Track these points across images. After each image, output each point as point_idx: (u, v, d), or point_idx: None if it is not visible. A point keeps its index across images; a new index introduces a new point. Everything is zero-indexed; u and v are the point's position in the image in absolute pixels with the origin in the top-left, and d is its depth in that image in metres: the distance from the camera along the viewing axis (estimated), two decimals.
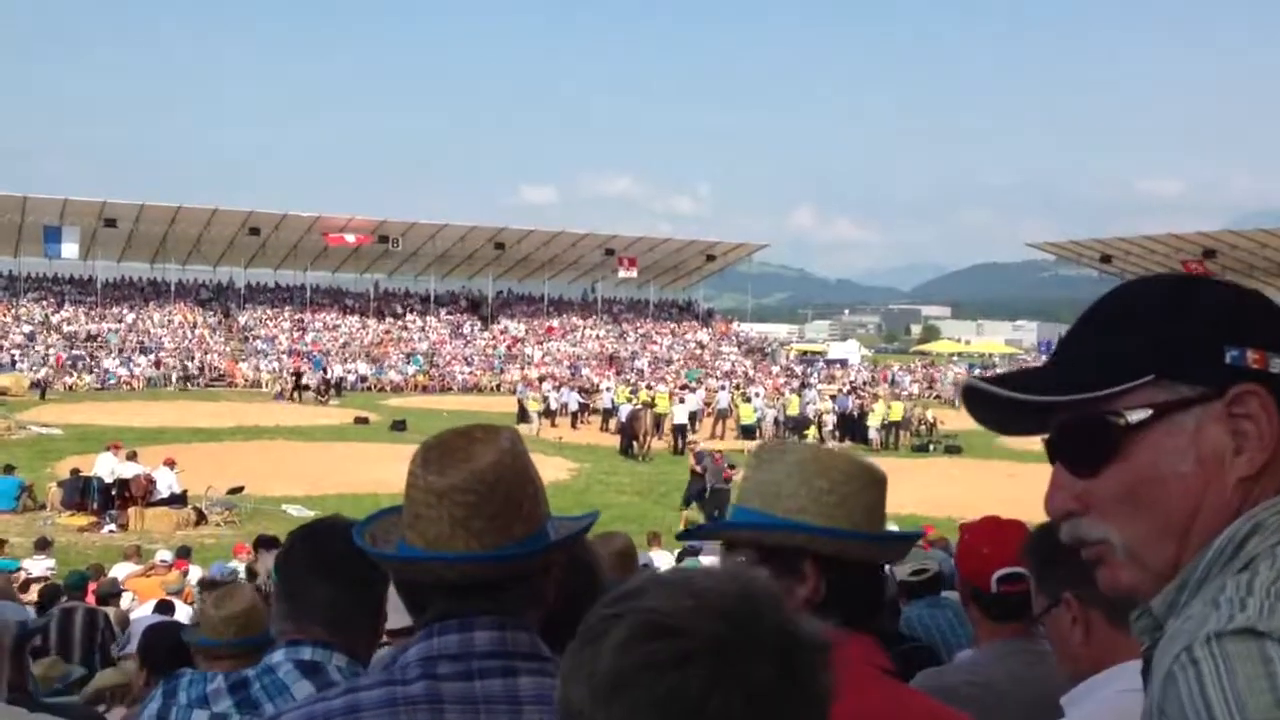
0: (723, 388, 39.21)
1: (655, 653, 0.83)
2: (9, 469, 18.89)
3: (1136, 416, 0.91)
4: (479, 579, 1.41)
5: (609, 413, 32.42)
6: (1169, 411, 0.90)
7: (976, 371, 57.46)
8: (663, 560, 11.47)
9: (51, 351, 46.47)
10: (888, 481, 1.66)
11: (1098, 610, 1.74)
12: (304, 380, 42.13)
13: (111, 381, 44.62)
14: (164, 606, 9.69)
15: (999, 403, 0.97)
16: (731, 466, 18.42)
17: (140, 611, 9.77)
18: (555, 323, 60.42)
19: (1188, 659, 0.78)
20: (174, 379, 46.01)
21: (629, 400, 31.47)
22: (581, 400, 36.30)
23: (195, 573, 12.04)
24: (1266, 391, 0.89)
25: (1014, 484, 20.55)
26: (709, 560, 10.96)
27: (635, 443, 27.12)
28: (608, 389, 36.74)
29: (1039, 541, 1.87)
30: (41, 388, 39.68)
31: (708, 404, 35.10)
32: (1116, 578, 0.94)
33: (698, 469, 19.16)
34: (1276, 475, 0.89)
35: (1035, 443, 1.02)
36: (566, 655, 0.89)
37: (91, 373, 45.32)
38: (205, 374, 47.64)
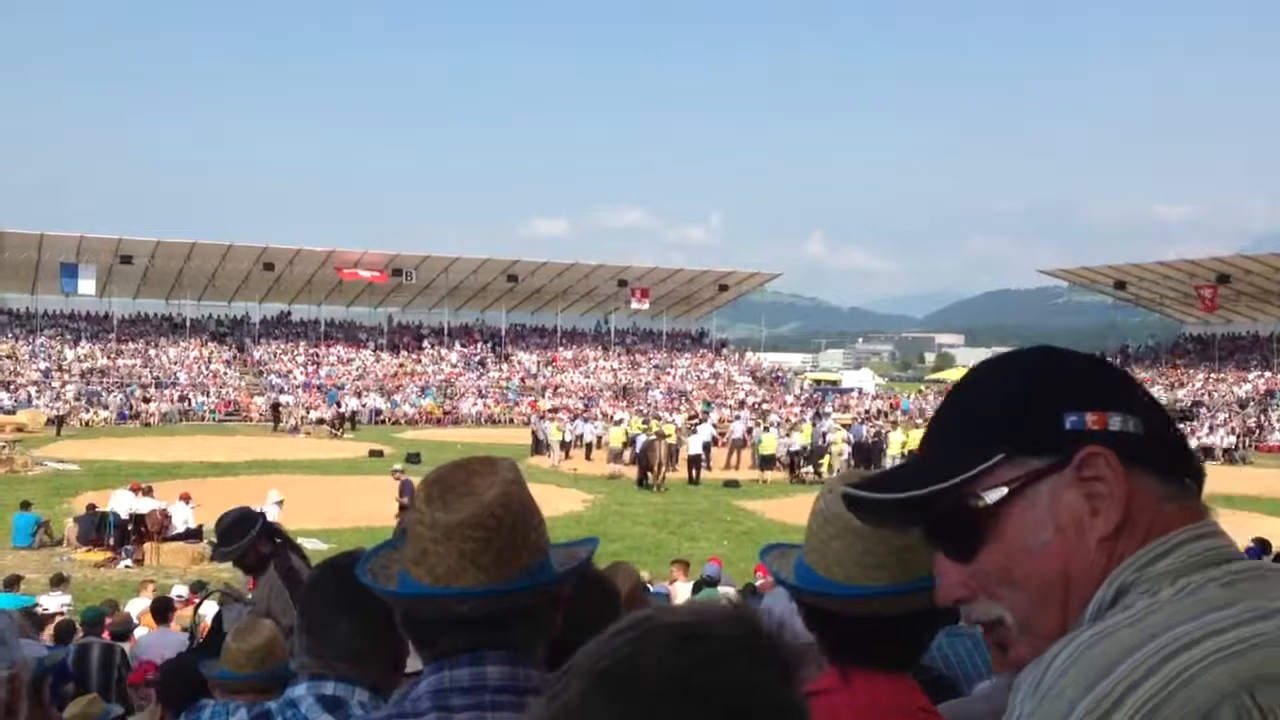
0: (737, 418, 39.13)
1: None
2: (25, 505, 18.94)
3: (994, 497, 0.95)
4: (489, 612, 1.41)
5: (628, 443, 32.31)
6: (1024, 486, 0.94)
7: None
8: (682, 591, 11.42)
9: (68, 388, 46.72)
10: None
11: None
12: (280, 411, 44.46)
13: (128, 415, 44.87)
14: (161, 605, 9.74)
15: (878, 505, 1.01)
16: None
17: (144, 632, 9.78)
18: (568, 354, 60.50)
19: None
20: (150, 412, 46.26)
21: (643, 431, 31.48)
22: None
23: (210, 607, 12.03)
24: (1112, 451, 0.92)
25: None
26: (728, 591, 10.92)
27: (650, 473, 27.12)
28: (619, 420, 36.72)
29: None
30: (58, 424, 39.85)
31: (722, 434, 35.03)
32: (1020, 655, 0.95)
33: (403, 500, 18.14)
34: (1137, 529, 0.92)
35: None
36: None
37: (107, 408, 45.54)
38: (219, 407, 47.90)
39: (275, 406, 45.02)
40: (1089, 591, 0.91)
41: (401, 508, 18.03)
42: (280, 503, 17.07)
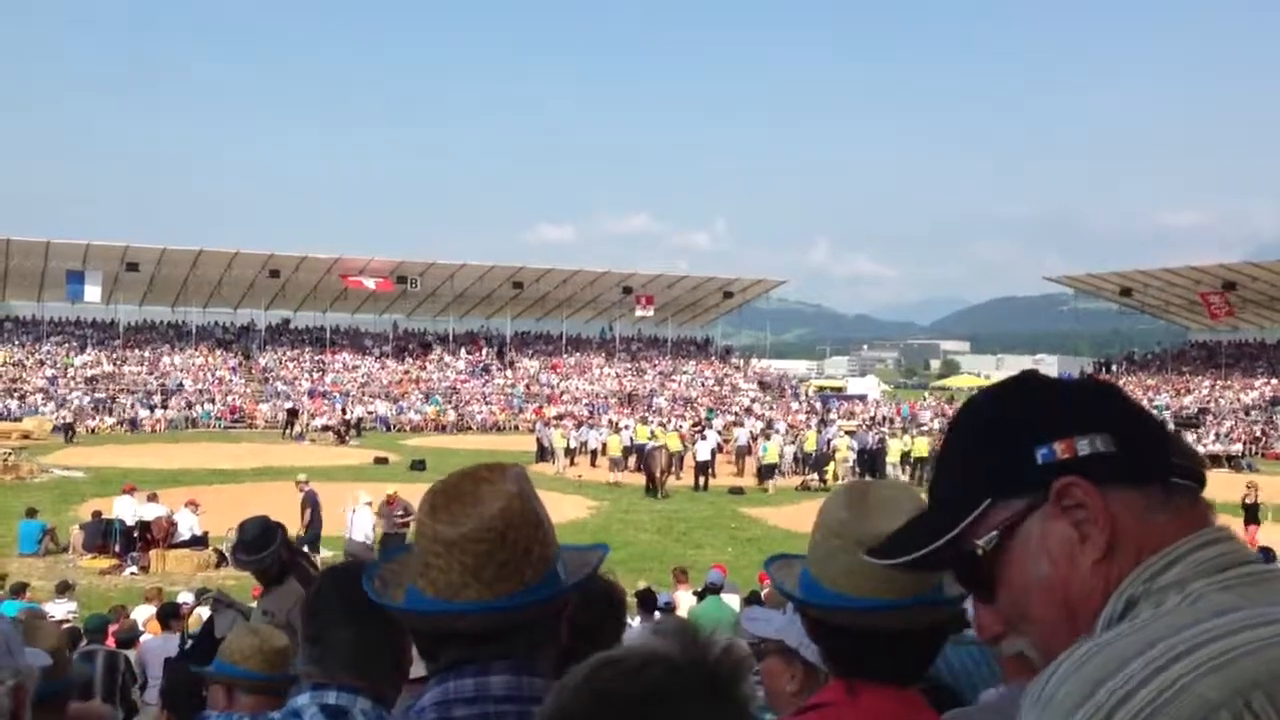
0: (741, 424, 39.08)
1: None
2: (32, 512, 18.97)
3: (989, 542, 1.00)
4: (490, 626, 1.40)
5: (626, 451, 32.39)
6: (1013, 527, 0.99)
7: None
8: (684, 599, 11.39)
9: (74, 395, 46.78)
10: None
11: None
12: (296, 417, 45.00)
13: (136, 421, 44.92)
14: (166, 612, 9.74)
15: (893, 566, 1.07)
16: (406, 512, 16.42)
17: (148, 638, 9.78)
18: (573, 361, 60.49)
19: None
20: (154, 419, 46.27)
21: (649, 439, 31.51)
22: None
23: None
24: (1085, 477, 0.95)
25: None
26: (730, 599, 10.90)
27: (654, 480, 27.12)
28: (626, 427, 36.71)
29: None
30: (65, 431, 39.89)
31: (726, 441, 35.00)
32: None
33: (305, 516, 17.04)
34: (1130, 546, 0.95)
35: None
36: None
37: (113, 415, 45.59)
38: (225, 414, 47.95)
39: (292, 412, 45.11)
40: (1092, 610, 0.94)
41: (305, 525, 16.80)
42: (371, 503, 16.87)
